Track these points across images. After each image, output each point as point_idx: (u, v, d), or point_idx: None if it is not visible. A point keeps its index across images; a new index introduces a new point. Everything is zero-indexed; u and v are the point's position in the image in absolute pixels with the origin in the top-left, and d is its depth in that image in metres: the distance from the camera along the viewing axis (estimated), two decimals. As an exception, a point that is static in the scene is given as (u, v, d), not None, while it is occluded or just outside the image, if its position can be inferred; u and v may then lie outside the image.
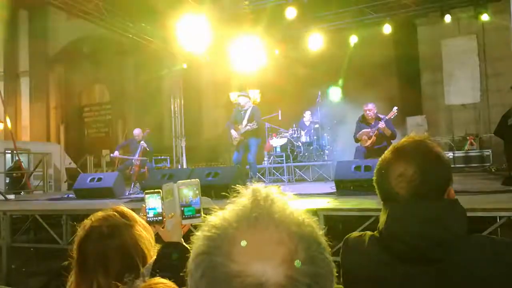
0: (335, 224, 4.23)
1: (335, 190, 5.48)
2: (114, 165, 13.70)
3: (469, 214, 1.16)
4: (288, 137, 9.89)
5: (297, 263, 0.53)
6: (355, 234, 1.28)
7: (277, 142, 9.92)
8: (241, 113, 7.59)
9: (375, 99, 9.85)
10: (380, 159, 1.20)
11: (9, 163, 11.90)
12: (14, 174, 11.35)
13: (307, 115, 10.35)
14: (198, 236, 0.59)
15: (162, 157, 11.51)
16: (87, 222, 1.44)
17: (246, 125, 7.33)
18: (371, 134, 6.77)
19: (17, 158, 11.48)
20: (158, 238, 1.56)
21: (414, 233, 1.04)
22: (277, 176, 9.68)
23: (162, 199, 1.57)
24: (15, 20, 19.40)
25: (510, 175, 5.70)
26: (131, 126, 12.38)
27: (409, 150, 1.13)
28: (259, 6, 10.03)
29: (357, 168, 5.42)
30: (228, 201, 0.62)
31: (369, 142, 6.80)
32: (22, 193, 10.33)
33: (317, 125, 9.98)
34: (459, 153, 10.83)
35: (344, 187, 5.37)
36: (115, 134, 17.85)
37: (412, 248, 1.04)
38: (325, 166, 9.34)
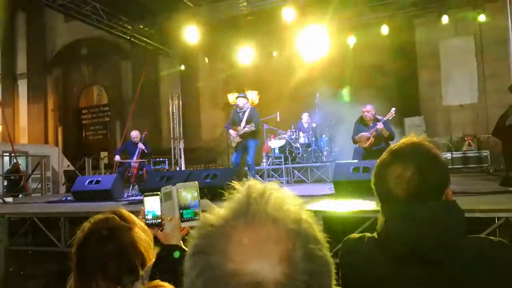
0: (334, 225, 4.23)
1: (333, 192, 5.49)
2: (112, 168, 13.70)
3: (467, 215, 1.16)
4: (286, 138, 9.89)
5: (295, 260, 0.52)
6: (354, 235, 1.28)
7: (275, 143, 9.92)
8: (239, 114, 7.60)
9: (373, 100, 9.88)
10: (378, 160, 1.21)
11: (7, 166, 11.88)
12: (12, 177, 11.33)
13: (305, 117, 10.36)
14: (194, 235, 0.58)
15: (161, 159, 11.49)
16: (86, 225, 1.44)
17: (244, 127, 7.34)
18: (369, 135, 6.78)
19: (15, 160, 11.46)
20: (157, 241, 1.56)
21: (413, 235, 1.04)
22: (276, 177, 9.68)
23: (161, 201, 1.57)
24: (12, 22, 19.40)
25: (508, 175, 5.71)
26: (129, 128, 12.36)
27: (407, 152, 1.14)
28: (257, 8, 10.04)
29: (356, 169, 5.42)
30: (224, 199, 0.60)
31: (367, 143, 6.81)
32: (20, 195, 10.31)
33: (314, 125, 9.98)
34: (457, 154, 10.85)
35: (342, 189, 5.37)
36: (113, 136, 17.83)
37: (411, 250, 1.04)
38: (324, 167, 9.34)
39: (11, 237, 5.42)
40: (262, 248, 0.52)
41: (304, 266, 0.53)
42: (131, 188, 8.23)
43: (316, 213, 3.73)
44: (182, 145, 11.63)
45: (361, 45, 11.96)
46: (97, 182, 7.06)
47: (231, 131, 7.54)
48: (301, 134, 9.98)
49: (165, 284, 1.28)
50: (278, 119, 10.33)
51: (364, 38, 11.72)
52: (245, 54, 12.37)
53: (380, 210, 1.17)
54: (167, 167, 11.30)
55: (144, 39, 11.71)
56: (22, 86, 19.42)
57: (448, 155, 10.60)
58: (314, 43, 11.58)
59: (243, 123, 7.42)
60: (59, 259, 5.13)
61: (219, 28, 11.72)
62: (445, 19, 10.02)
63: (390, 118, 6.87)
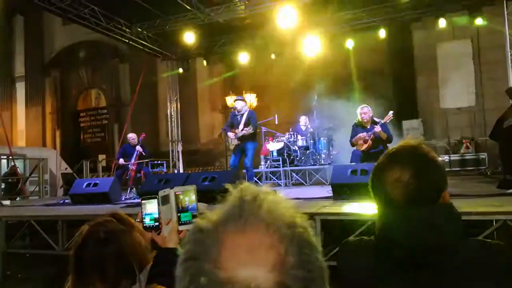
0: (332, 228, 4.23)
1: (331, 194, 5.49)
2: (110, 170, 13.68)
3: (465, 217, 1.16)
4: (284, 141, 9.89)
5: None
6: (352, 238, 1.28)
7: (273, 146, 9.93)
8: (237, 117, 7.61)
9: (371, 103, 9.92)
10: (375, 164, 1.21)
11: (4, 169, 11.84)
12: (10, 180, 11.30)
13: (302, 120, 10.38)
14: (186, 240, 0.56)
15: (159, 161, 11.48)
16: (84, 228, 1.44)
17: (242, 129, 7.35)
18: (367, 138, 6.78)
19: (12, 163, 11.44)
20: (154, 244, 1.56)
21: (410, 238, 1.05)
22: (274, 180, 9.68)
23: (158, 204, 1.57)
24: (10, 25, 19.41)
25: (506, 178, 5.72)
26: (128, 130, 12.35)
27: (404, 155, 1.14)
28: (255, 12, 10.05)
29: (353, 172, 5.43)
30: (218, 203, 0.59)
31: (365, 146, 6.81)
32: (18, 198, 10.28)
33: (312, 129, 10.00)
34: (454, 157, 10.88)
35: (340, 191, 5.37)
36: (111, 139, 17.82)
37: (409, 253, 1.04)
38: (322, 170, 9.35)
39: (8, 240, 5.40)
40: (255, 254, 0.51)
41: (297, 272, 0.51)
42: (128, 191, 8.22)
43: (314, 216, 3.73)
44: (180, 148, 11.61)
45: (359, 48, 11.99)
46: (95, 185, 7.05)
47: (230, 134, 7.55)
48: (299, 137, 9.99)
49: (161, 287, 1.28)
50: (276, 122, 10.34)
51: (362, 41, 11.75)
52: (243, 57, 12.38)
53: (377, 214, 1.17)
54: (165, 169, 11.28)
55: (142, 42, 11.71)
56: (20, 89, 19.41)
57: (446, 158, 10.63)
58: (312, 47, 11.60)
59: (241, 126, 7.43)
60: (57, 262, 5.12)
61: (217, 31, 11.74)
62: (442, 22, 10.04)
63: (388, 121, 6.89)
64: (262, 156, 10.24)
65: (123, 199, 7.35)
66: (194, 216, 1.52)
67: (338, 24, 10.93)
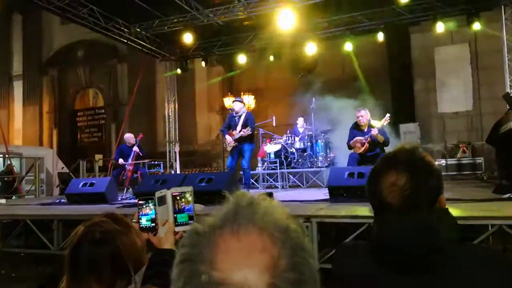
0: (328, 231, 4.23)
1: (328, 197, 5.49)
2: (107, 170, 13.64)
3: (461, 222, 1.16)
4: (282, 143, 9.90)
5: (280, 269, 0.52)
6: (348, 241, 1.29)
7: (271, 148, 9.93)
8: (235, 118, 7.61)
9: (369, 105, 9.94)
10: (371, 168, 1.21)
11: (0, 167, 11.81)
12: (6, 178, 11.25)
13: (300, 121, 10.39)
14: (182, 242, 0.58)
15: (155, 162, 11.45)
16: (80, 228, 1.43)
17: (240, 131, 7.35)
18: (364, 141, 6.80)
19: (9, 162, 11.39)
20: (150, 245, 1.55)
21: (406, 242, 1.05)
22: (271, 182, 9.68)
23: (155, 205, 1.56)
24: (9, 24, 19.36)
25: (502, 183, 5.74)
26: (125, 131, 12.33)
27: (401, 160, 1.14)
28: (254, 13, 10.07)
29: (350, 175, 5.44)
30: (216, 207, 0.61)
31: (362, 149, 6.83)
32: (14, 197, 10.24)
33: (310, 132, 10.01)
34: (451, 161, 10.90)
35: (337, 194, 5.38)
36: (108, 139, 17.78)
37: (405, 257, 1.04)
38: (319, 172, 9.36)
39: (3, 239, 5.37)
40: (248, 257, 0.52)
41: (290, 275, 0.52)
42: (125, 191, 8.20)
43: (310, 218, 3.73)
44: (177, 149, 11.59)
45: (358, 51, 12.02)
46: (91, 184, 7.04)
47: (227, 137, 7.55)
48: (296, 139, 10.00)
49: (157, 288, 1.28)
50: (274, 124, 10.35)
51: (360, 44, 11.77)
52: (241, 58, 12.39)
53: (374, 217, 1.18)
54: (162, 170, 11.25)
55: (141, 42, 11.70)
56: (18, 88, 19.35)
57: (443, 162, 10.65)
58: (311, 49, 11.62)
59: (239, 127, 7.43)
60: (52, 261, 5.10)
61: (216, 33, 11.75)
62: (440, 27, 10.07)
63: (385, 124, 6.91)
64: (259, 158, 10.25)
65: (120, 199, 7.33)
66: (190, 217, 1.52)
67: (336, 27, 10.95)
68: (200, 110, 15.89)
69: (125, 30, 11.08)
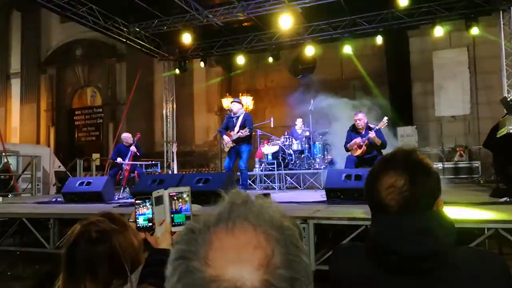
0: (325, 232, 4.23)
1: (325, 199, 5.49)
2: (104, 169, 13.62)
3: (457, 225, 1.17)
4: (279, 144, 9.90)
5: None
6: (345, 243, 1.29)
7: (268, 149, 9.93)
8: (233, 119, 7.61)
9: (367, 108, 9.96)
10: (369, 170, 1.21)
11: (-3, 165, 11.77)
12: (2, 176, 11.22)
13: (299, 122, 10.39)
14: (177, 240, 0.58)
15: (153, 162, 11.44)
16: (76, 227, 1.43)
17: (238, 132, 7.35)
18: (361, 143, 6.81)
19: (5, 160, 11.35)
20: (147, 245, 1.55)
21: (403, 244, 1.05)
22: (268, 183, 9.68)
23: (152, 205, 1.56)
24: (7, 21, 19.32)
25: (498, 187, 5.76)
26: (122, 130, 12.32)
27: (399, 162, 1.14)
28: (253, 14, 10.08)
29: (348, 177, 5.44)
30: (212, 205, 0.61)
31: (359, 151, 6.84)
32: (10, 195, 10.20)
33: (308, 133, 10.02)
34: (448, 164, 10.93)
35: (334, 196, 5.38)
36: (105, 138, 17.75)
37: (402, 259, 1.04)
38: (316, 174, 9.36)
39: (-1, 237, 5.36)
40: (242, 254, 0.53)
41: (283, 272, 0.53)
42: (122, 191, 8.18)
43: (307, 219, 3.73)
44: (175, 149, 11.57)
45: (356, 54, 12.06)
46: (88, 183, 7.01)
47: (225, 136, 7.55)
48: (294, 140, 10.00)
49: (153, 288, 1.28)
50: (272, 125, 10.35)
51: (359, 47, 11.81)
52: (240, 59, 12.40)
53: (371, 219, 1.18)
54: (159, 170, 11.24)
55: (140, 41, 11.69)
56: (15, 86, 19.31)
57: (440, 165, 10.68)
58: (309, 52, 11.64)
59: (236, 128, 7.43)
60: (48, 260, 5.09)
61: (215, 33, 11.75)
62: (439, 31, 10.11)
63: (382, 127, 6.92)
64: (257, 159, 10.25)
65: (116, 199, 7.31)
66: (187, 218, 1.52)
67: (335, 29, 10.97)
68: (198, 110, 15.89)
69: (124, 29, 11.07)
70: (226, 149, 7.60)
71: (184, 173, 10.15)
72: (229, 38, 12.03)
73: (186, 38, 10.73)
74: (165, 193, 1.52)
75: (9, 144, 13.75)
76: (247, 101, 14.02)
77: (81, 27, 11.63)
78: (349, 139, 7.06)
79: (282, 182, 9.57)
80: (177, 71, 12.94)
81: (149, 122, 16.37)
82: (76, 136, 18.63)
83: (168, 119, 13.39)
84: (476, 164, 10.70)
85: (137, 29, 11.15)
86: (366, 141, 6.75)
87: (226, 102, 13.58)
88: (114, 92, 17.67)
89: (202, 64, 12.85)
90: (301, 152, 9.85)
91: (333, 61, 13.70)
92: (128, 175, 8.53)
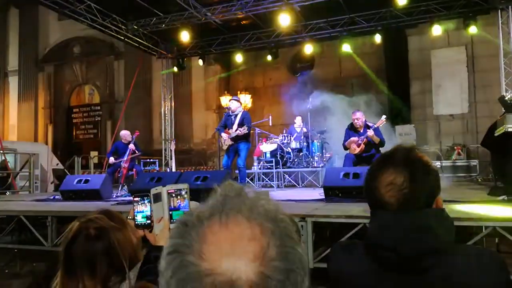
0: (323, 230, 4.24)
1: (323, 197, 5.50)
2: (102, 167, 13.61)
3: (455, 223, 1.17)
4: (278, 143, 9.91)
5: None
6: (343, 241, 1.29)
7: (267, 147, 9.93)
8: (231, 117, 7.60)
9: (365, 107, 9.97)
10: (369, 167, 1.21)
11: (-5, 163, 11.73)
12: (0, 174, 11.19)
13: (298, 120, 10.39)
14: (171, 234, 0.57)
15: (151, 160, 11.43)
16: (74, 224, 1.43)
17: (236, 130, 7.34)
18: (359, 142, 6.82)
19: (3, 157, 11.32)
20: (145, 242, 1.55)
21: (403, 242, 1.04)
22: (267, 181, 9.69)
23: (150, 202, 1.56)
24: (5, 18, 19.26)
25: (496, 185, 5.77)
26: (120, 128, 12.29)
27: (399, 159, 1.14)
28: (252, 12, 10.06)
29: (346, 175, 5.45)
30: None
31: (357, 149, 6.85)
32: (8, 193, 10.19)
33: (306, 130, 10.03)
34: (446, 163, 10.95)
35: (332, 194, 5.39)
36: (103, 136, 17.72)
37: (401, 257, 1.04)
38: (314, 172, 9.38)
39: (-3, 235, 5.34)
40: (236, 246, 0.52)
41: (279, 264, 0.52)
42: (120, 189, 8.18)
43: (305, 217, 3.73)
44: (173, 147, 11.56)
45: (355, 52, 12.06)
46: (86, 181, 7.01)
47: (223, 134, 7.54)
48: (292, 139, 10.01)
49: (151, 285, 1.27)
50: (270, 124, 10.36)
51: (357, 46, 11.81)
52: (239, 57, 12.38)
53: (370, 216, 1.18)
54: (157, 168, 11.24)
55: (138, 39, 11.66)
56: (13, 83, 19.25)
57: (438, 164, 10.69)
58: (308, 50, 11.64)
59: (235, 126, 7.42)
60: (46, 258, 5.08)
61: (214, 31, 11.73)
62: (437, 29, 10.11)
63: (381, 126, 6.93)
64: (255, 157, 10.25)
65: (114, 196, 7.31)
66: (186, 215, 1.51)
67: (334, 28, 10.97)
68: (196, 108, 15.86)
69: (122, 27, 11.04)
70: (225, 147, 7.59)
71: (182, 171, 10.16)
72: (228, 36, 12.02)
73: (185, 36, 10.71)
74: (164, 190, 1.51)
75: (7, 142, 13.72)
76: (246, 99, 14.02)
77: (79, 25, 11.60)
78: (347, 137, 7.06)
79: (281, 180, 9.58)
80: (176, 69, 12.92)
81: (147, 120, 16.33)
82: (74, 134, 18.59)
83: (167, 117, 13.38)
84: (474, 162, 10.73)
85: (135, 27, 11.13)
86: (365, 139, 6.76)
87: (225, 100, 13.57)
88: (112, 90, 17.63)
89: (200, 62, 12.84)
90: (300, 150, 9.86)
91: (331, 59, 13.70)
92: (126, 172, 8.52)
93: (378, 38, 10.79)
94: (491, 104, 10.64)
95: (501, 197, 4.76)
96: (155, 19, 10.89)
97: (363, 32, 11.06)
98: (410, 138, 11.36)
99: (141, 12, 10.53)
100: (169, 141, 12.81)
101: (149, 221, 1.56)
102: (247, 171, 8.48)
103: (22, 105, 18.88)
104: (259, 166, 10.01)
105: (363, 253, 1.14)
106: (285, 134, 10.12)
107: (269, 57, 12.07)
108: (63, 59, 18.34)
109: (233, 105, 7.67)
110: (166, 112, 13.38)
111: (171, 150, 11.87)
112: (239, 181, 7.52)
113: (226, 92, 14.81)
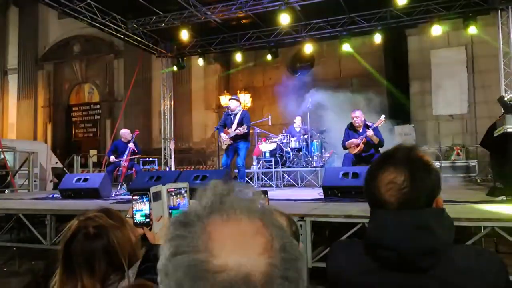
0: (322, 230, 4.24)
1: (323, 196, 5.50)
2: (101, 166, 13.60)
3: (454, 223, 1.17)
4: (277, 142, 9.90)
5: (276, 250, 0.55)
6: (343, 240, 1.29)
7: (266, 147, 9.93)
8: (231, 117, 7.60)
9: (364, 107, 9.97)
10: (370, 166, 1.21)
11: (-6, 161, 11.72)
12: (-1, 172, 11.19)
13: (297, 121, 10.39)
14: (171, 236, 0.57)
15: (150, 159, 11.43)
16: (74, 222, 1.43)
17: (235, 129, 7.34)
18: (359, 141, 6.82)
19: (2, 156, 11.31)
20: (145, 240, 1.55)
21: (402, 241, 1.04)
22: (266, 181, 9.69)
23: (149, 201, 1.56)
24: (5, 16, 19.23)
25: (495, 185, 5.77)
26: (120, 127, 12.29)
27: (399, 158, 1.13)
28: (252, 11, 10.06)
29: (345, 175, 5.45)
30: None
31: (357, 149, 6.85)
32: (6, 191, 10.18)
33: (306, 132, 10.03)
34: (445, 163, 10.96)
35: (331, 194, 5.39)
36: (103, 134, 17.71)
37: (401, 256, 1.04)
38: (314, 172, 9.38)
39: (-4, 233, 5.34)
40: (243, 241, 0.54)
41: (284, 255, 0.55)
42: (119, 187, 8.18)
43: (304, 217, 3.73)
44: (172, 146, 11.55)
45: (355, 52, 12.05)
46: (85, 180, 7.00)
47: (222, 134, 7.54)
48: (292, 138, 10.01)
49: (150, 283, 1.27)
50: (270, 123, 10.35)
51: (357, 46, 11.80)
52: (238, 57, 12.38)
53: (370, 215, 1.17)
54: (156, 167, 11.23)
55: (138, 38, 11.66)
56: (13, 81, 19.23)
57: (437, 164, 10.70)
58: (308, 49, 11.63)
59: (234, 126, 7.42)
60: (44, 256, 5.08)
61: (213, 30, 11.73)
62: (437, 29, 10.11)
63: (380, 125, 6.93)
64: (254, 157, 10.25)
65: (113, 195, 7.30)
66: (185, 214, 1.51)
67: (334, 27, 10.96)
68: (196, 107, 15.85)
69: (122, 25, 11.03)
70: (224, 147, 7.58)
71: (181, 170, 10.15)
72: (228, 35, 12.01)
73: (184, 35, 10.69)
74: (163, 189, 1.51)
75: (6, 140, 13.71)
76: (245, 99, 14.01)
77: (79, 23, 11.59)
78: (346, 137, 7.07)
79: (280, 180, 9.58)
80: (175, 68, 12.91)
81: (147, 119, 16.32)
82: (73, 132, 18.58)
83: (166, 116, 13.37)
84: (473, 163, 10.74)
85: (135, 26, 11.12)
86: (364, 139, 6.76)
87: (224, 100, 13.56)
88: (111, 88, 17.61)
89: (200, 61, 12.83)
90: (299, 150, 9.86)
91: (331, 59, 13.70)
92: (125, 171, 8.52)
93: (378, 38, 10.79)
94: (490, 104, 10.64)
95: (500, 198, 4.77)
96: (155, 17, 10.88)
97: (363, 32, 11.06)
98: (410, 138, 11.37)
99: (141, 11, 10.52)
100: (169, 140, 12.81)
101: (148, 220, 1.56)
102: (246, 170, 8.47)
103: (21, 103, 18.86)
104: (259, 166, 10.01)
105: (362, 252, 1.14)
106: (285, 134, 10.11)
107: (269, 57, 12.06)
108: (62, 58, 18.31)
109: (233, 104, 7.67)
110: (166, 111, 13.37)
111: (170, 149, 11.87)
112: (238, 180, 7.52)
113: (225, 91, 14.81)
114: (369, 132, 6.65)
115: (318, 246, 3.86)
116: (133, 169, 8.71)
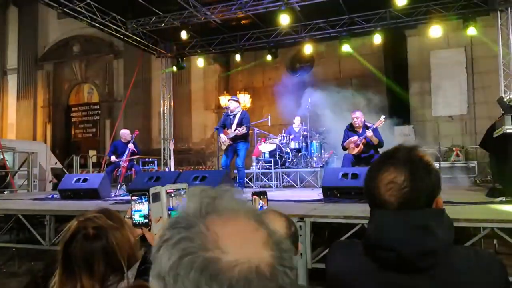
0: (322, 231, 4.24)
1: (322, 197, 5.50)
2: (100, 166, 13.59)
3: (453, 224, 1.16)
4: (277, 143, 9.90)
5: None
6: (342, 241, 1.28)
7: (265, 147, 9.93)
8: (230, 117, 7.60)
9: (364, 107, 9.98)
10: (370, 165, 1.20)
11: (-7, 161, 11.71)
12: (-2, 173, 11.18)
13: (297, 120, 10.39)
14: (174, 241, 0.57)
15: (150, 159, 11.43)
16: (73, 223, 1.42)
17: (235, 130, 7.33)
18: (358, 142, 6.82)
19: (1, 156, 11.31)
20: (144, 241, 1.55)
21: (402, 241, 1.04)
22: (265, 181, 9.69)
23: (148, 202, 1.56)
24: (4, 16, 19.22)
25: (494, 186, 5.78)
26: (119, 127, 12.28)
27: (400, 158, 1.13)
28: (252, 12, 10.06)
29: (344, 175, 5.46)
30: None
31: (356, 150, 6.85)
32: (6, 192, 10.17)
33: (305, 132, 10.03)
34: (445, 164, 10.96)
35: (331, 194, 5.39)
36: (102, 135, 17.70)
37: (400, 256, 1.04)
38: (313, 173, 9.38)
39: (-5, 233, 5.33)
40: (247, 237, 0.57)
41: (281, 246, 0.59)
42: (118, 188, 8.17)
43: (304, 217, 3.73)
44: (172, 146, 11.55)
45: (354, 53, 12.05)
46: (85, 180, 7.00)
47: (221, 135, 7.54)
48: (291, 139, 10.01)
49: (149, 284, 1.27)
50: (269, 124, 10.36)
51: (357, 46, 11.81)
52: (238, 57, 12.38)
53: (370, 215, 1.17)
54: (156, 167, 11.23)
55: (138, 38, 11.65)
56: (12, 82, 19.22)
57: (436, 165, 10.69)
58: (307, 50, 11.63)
59: (234, 126, 7.42)
60: (43, 257, 5.07)
61: (213, 31, 11.73)
62: (436, 30, 10.11)
63: (379, 126, 6.93)
64: (254, 157, 10.25)
65: (113, 196, 7.30)
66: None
67: (334, 28, 10.97)
68: (195, 108, 15.85)
69: (122, 26, 11.03)
70: (223, 147, 7.58)
71: (181, 170, 10.15)
72: (227, 35, 12.01)
73: (184, 35, 10.70)
74: (162, 190, 1.51)
75: (5, 141, 13.70)
76: (245, 99, 14.01)
77: (79, 23, 11.59)
78: (346, 138, 7.07)
79: (279, 181, 9.58)
80: (175, 68, 12.91)
81: (146, 119, 16.32)
82: (72, 132, 18.56)
83: (166, 117, 13.37)
84: (473, 164, 10.74)
85: (135, 26, 11.12)
86: (363, 139, 6.76)
87: (224, 100, 13.56)
88: (111, 89, 17.60)
89: (200, 61, 12.83)
90: (298, 150, 9.86)
91: (331, 59, 13.70)
92: (125, 172, 8.51)
93: (377, 39, 10.79)
94: (490, 105, 10.64)
95: (499, 199, 4.77)
96: (154, 18, 10.88)
97: (363, 32, 11.06)
98: (409, 139, 11.37)
99: (140, 11, 10.52)
100: (168, 141, 12.81)
101: (146, 220, 1.56)
102: (246, 171, 8.47)
103: (21, 103, 18.85)
104: (258, 166, 10.01)
105: (362, 253, 1.14)
106: (284, 134, 10.12)
107: (268, 57, 12.06)
108: (62, 58, 18.30)
109: (232, 105, 7.67)
110: (165, 112, 13.37)
111: (170, 150, 11.87)
112: (237, 181, 7.52)
113: (225, 91, 14.80)
114: (369, 133, 6.66)
115: (317, 247, 3.86)
116: (133, 169, 8.71)
